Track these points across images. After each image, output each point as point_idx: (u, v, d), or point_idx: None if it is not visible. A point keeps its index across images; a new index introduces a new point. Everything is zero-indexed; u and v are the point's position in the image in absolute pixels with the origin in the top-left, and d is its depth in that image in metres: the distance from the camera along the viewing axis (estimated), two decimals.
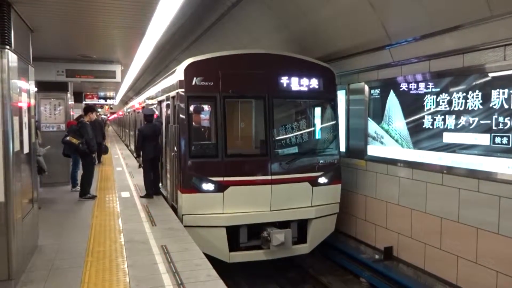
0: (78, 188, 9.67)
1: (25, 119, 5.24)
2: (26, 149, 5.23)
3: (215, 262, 5.96)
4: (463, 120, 5.89)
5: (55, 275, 4.95)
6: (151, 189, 9.40)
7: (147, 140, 9.24)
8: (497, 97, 5.36)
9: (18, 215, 4.75)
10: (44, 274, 4.97)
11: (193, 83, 7.20)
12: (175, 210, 7.84)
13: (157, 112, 10.72)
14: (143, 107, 14.51)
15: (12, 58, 4.64)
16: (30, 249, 5.53)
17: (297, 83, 7.73)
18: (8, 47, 4.54)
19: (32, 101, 5.79)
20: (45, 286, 4.66)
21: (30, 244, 5.51)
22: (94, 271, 5.05)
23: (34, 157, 5.91)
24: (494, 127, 5.41)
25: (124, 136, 28.66)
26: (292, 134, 8.00)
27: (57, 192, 10.02)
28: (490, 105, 5.46)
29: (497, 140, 5.38)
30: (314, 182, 7.72)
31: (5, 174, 4.48)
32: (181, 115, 7.36)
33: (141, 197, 9.40)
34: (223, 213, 7.19)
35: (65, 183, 10.76)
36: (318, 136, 8.50)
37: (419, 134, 6.76)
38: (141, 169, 9.94)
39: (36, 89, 8.36)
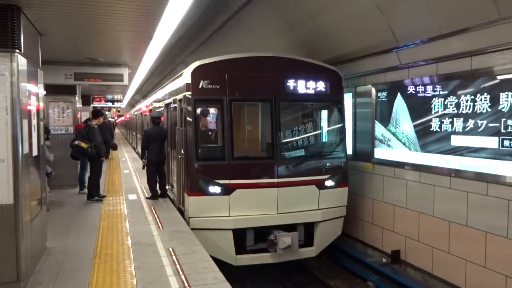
0: (86, 190, 9.74)
1: (34, 122, 5.29)
2: (35, 152, 5.28)
3: (222, 265, 5.96)
4: (471, 123, 5.85)
5: (63, 277, 4.98)
6: (156, 190, 9.49)
7: (153, 142, 9.35)
8: (506, 100, 5.32)
9: (27, 217, 4.79)
10: (52, 276, 5.01)
11: (200, 86, 7.23)
12: (182, 212, 7.86)
13: (164, 115, 10.78)
14: (150, 110, 14.60)
15: (21, 62, 4.69)
16: (39, 251, 5.57)
17: (303, 86, 7.73)
18: (17, 50, 4.59)
19: (41, 104, 5.84)
20: (53, 287, 4.69)
21: (38, 246, 5.55)
22: (102, 273, 5.08)
23: (43, 159, 5.96)
24: (502, 130, 5.37)
25: (131, 139, 28.81)
26: (298, 137, 8.00)
27: (65, 195, 10.09)
28: (499, 108, 5.42)
29: (506, 143, 5.34)
30: (320, 185, 7.70)
31: (14, 177, 4.53)
32: (188, 118, 7.39)
33: (147, 198, 9.50)
34: (229, 216, 7.19)
35: (73, 185, 10.83)
36: (324, 139, 8.48)
37: (426, 137, 6.73)
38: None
39: (45, 92, 8.41)
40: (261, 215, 7.29)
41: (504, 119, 5.34)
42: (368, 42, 7.60)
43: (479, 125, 5.71)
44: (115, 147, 14.17)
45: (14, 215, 4.54)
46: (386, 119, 7.72)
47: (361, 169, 8.48)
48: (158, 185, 9.62)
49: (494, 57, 5.48)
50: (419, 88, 6.87)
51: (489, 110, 5.57)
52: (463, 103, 5.99)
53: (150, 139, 9.38)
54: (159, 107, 12.07)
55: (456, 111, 6.11)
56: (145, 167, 9.78)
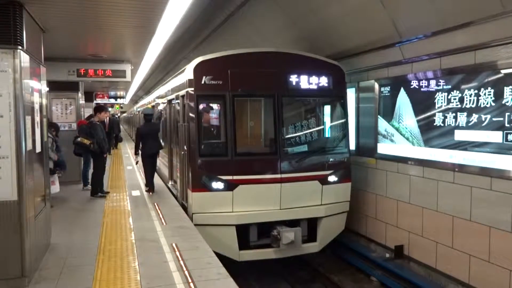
0: (89, 187, 9.77)
1: (37, 119, 5.30)
2: (38, 148, 5.29)
3: (225, 261, 5.97)
4: (475, 117, 5.82)
5: (67, 273, 5.00)
6: (153, 183, 9.86)
7: (145, 138, 9.71)
8: (510, 94, 5.29)
9: (31, 214, 4.81)
10: (56, 271, 5.03)
11: (203, 82, 7.22)
12: (185, 208, 7.88)
13: (167, 111, 10.84)
14: (152, 107, 14.67)
15: (24, 58, 4.69)
16: (43, 247, 5.60)
17: (306, 82, 7.71)
18: (20, 47, 4.59)
19: (44, 101, 5.84)
20: (58, 283, 4.72)
21: (43, 242, 5.57)
22: (106, 269, 5.10)
23: (46, 156, 5.98)
24: (507, 124, 5.34)
25: (134, 135, 28.88)
26: (301, 133, 7.99)
27: (69, 191, 10.11)
28: (503, 102, 5.39)
29: (510, 137, 5.31)
30: (324, 181, 7.70)
31: (18, 173, 4.54)
32: (190, 114, 7.39)
33: (146, 191, 9.85)
34: (233, 212, 7.21)
35: (76, 182, 10.86)
36: (327, 134, 8.47)
37: (430, 132, 6.70)
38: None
39: (47, 89, 8.43)
40: (264, 211, 7.29)
41: (508, 113, 5.31)
42: (371, 37, 7.56)
43: (483, 119, 5.68)
44: (121, 139, 15.16)
45: (18, 212, 4.55)
46: (389, 114, 7.69)
47: (364, 164, 8.46)
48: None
49: (498, 51, 5.44)
50: (422, 83, 6.84)
51: (493, 104, 5.54)
52: (466, 98, 5.96)
53: (142, 136, 9.73)
54: (162, 103, 12.09)
55: (459, 106, 6.08)
56: (138, 163, 10.44)
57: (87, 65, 10.23)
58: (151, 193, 9.70)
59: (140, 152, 9.90)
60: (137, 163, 10.73)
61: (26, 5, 4.83)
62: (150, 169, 9.83)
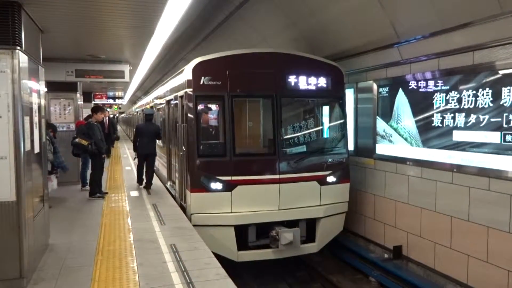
0: (88, 187, 9.76)
1: (36, 119, 5.29)
2: (37, 149, 5.28)
3: (224, 261, 5.97)
4: (473, 118, 5.84)
5: (66, 273, 5.00)
6: (141, 178, 10.37)
7: (142, 136, 10.11)
8: (508, 94, 5.30)
9: (29, 214, 4.80)
10: (55, 272, 5.03)
11: (201, 83, 7.22)
12: (183, 209, 7.88)
13: (165, 112, 10.89)
14: (151, 107, 14.72)
15: (22, 59, 4.68)
16: (42, 248, 5.59)
17: (305, 82, 7.72)
18: (18, 47, 4.58)
19: (43, 101, 5.84)
20: (56, 284, 4.71)
21: (41, 242, 5.57)
22: (105, 269, 5.09)
23: (45, 156, 5.97)
24: (504, 125, 5.36)
25: (132, 135, 28.86)
26: (300, 133, 8.00)
27: (67, 191, 10.10)
28: (501, 103, 5.40)
29: (508, 138, 5.32)
30: (322, 181, 7.70)
31: (17, 174, 4.53)
32: (189, 115, 7.39)
33: (144, 187, 10.34)
34: (231, 212, 7.20)
35: (75, 182, 10.85)
36: (326, 135, 8.48)
37: (428, 132, 6.71)
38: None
39: (46, 89, 8.40)
40: (262, 211, 7.29)
41: (506, 114, 5.33)
42: (369, 37, 7.57)
43: (481, 120, 5.70)
44: (118, 138, 16.07)
45: (17, 212, 4.54)
46: (387, 115, 7.70)
47: (363, 164, 8.47)
48: (144, 175, 10.40)
49: (496, 52, 5.46)
50: (420, 83, 6.85)
51: (491, 105, 5.55)
52: (465, 98, 5.97)
53: (140, 134, 10.15)
54: (160, 103, 12.09)
55: (458, 106, 6.10)
56: (135, 159, 10.86)
57: (85, 66, 10.23)
58: (140, 185, 10.25)
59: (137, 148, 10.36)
60: (134, 159, 11.29)
61: (24, 5, 4.83)
62: (141, 169, 10.28)
